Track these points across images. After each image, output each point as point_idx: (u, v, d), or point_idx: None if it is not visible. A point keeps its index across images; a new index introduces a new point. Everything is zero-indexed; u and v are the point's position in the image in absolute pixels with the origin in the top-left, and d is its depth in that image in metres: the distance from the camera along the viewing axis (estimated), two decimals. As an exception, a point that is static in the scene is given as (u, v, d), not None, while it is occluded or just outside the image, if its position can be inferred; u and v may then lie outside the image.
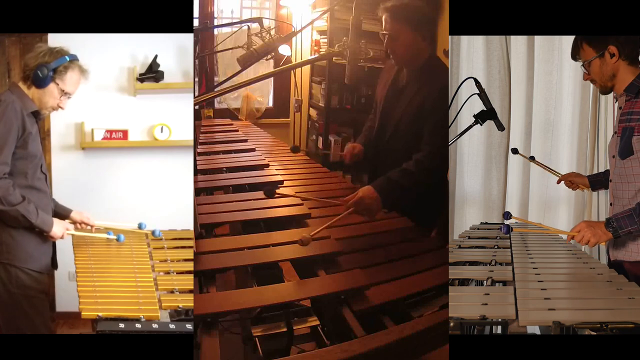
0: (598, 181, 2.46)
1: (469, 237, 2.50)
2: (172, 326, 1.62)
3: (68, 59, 2.15)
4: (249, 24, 3.09)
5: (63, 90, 2.16)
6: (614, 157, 2.02)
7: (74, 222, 2.36)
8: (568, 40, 3.05)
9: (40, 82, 2.12)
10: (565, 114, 3.28)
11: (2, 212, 2.05)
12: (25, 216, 2.07)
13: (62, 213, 2.36)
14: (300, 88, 4.76)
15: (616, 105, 2.09)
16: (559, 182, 2.62)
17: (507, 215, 2.12)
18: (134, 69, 3.50)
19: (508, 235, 2.14)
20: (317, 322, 1.49)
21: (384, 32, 2.32)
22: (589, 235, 1.84)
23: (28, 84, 2.14)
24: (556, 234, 2.52)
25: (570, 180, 2.56)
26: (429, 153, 2.18)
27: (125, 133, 3.52)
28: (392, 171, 2.11)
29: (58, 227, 2.18)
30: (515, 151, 2.97)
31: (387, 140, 2.48)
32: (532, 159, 2.89)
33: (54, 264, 2.30)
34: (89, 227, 2.41)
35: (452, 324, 1.41)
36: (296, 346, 1.49)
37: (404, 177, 2.09)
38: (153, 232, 2.39)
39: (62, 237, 2.21)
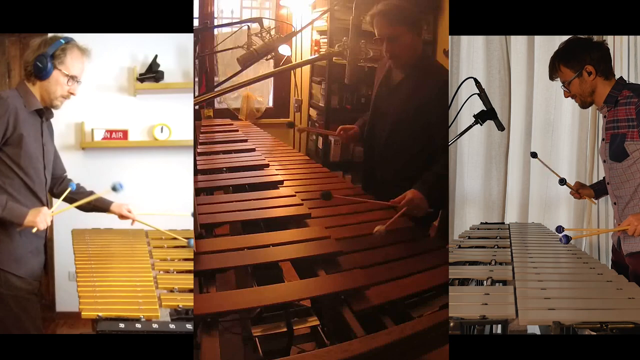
0: (600, 190, 2.47)
1: (469, 237, 2.50)
2: (172, 326, 1.62)
3: (63, 42, 2.08)
4: (249, 24, 3.08)
5: (68, 75, 2.08)
6: (605, 161, 2.14)
7: (115, 214, 2.27)
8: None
9: (42, 73, 2.05)
10: (565, 114, 3.28)
11: None
12: None
13: (101, 207, 2.30)
14: (300, 88, 4.76)
15: (600, 114, 2.22)
16: (561, 182, 2.57)
17: (560, 229, 2.19)
18: (134, 69, 3.50)
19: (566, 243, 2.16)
20: (317, 322, 1.49)
21: (381, 36, 2.33)
22: None
23: (32, 80, 2.08)
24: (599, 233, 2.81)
25: (578, 191, 2.51)
26: (439, 156, 2.23)
27: (125, 133, 3.52)
28: (424, 174, 2.19)
29: (32, 217, 1.98)
30: (534, 155, 2.87)
31: (384, 139, 2.48)
32: (534, 155, 2.79)
33: (45, 269, 2.21)
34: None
35: (452, 324, 1.42)
36: (296, 346, 1.50)
37: (434, 178, 2.19)
38: (189, 242, 2.09)
39: (44, 226, 2.00)
